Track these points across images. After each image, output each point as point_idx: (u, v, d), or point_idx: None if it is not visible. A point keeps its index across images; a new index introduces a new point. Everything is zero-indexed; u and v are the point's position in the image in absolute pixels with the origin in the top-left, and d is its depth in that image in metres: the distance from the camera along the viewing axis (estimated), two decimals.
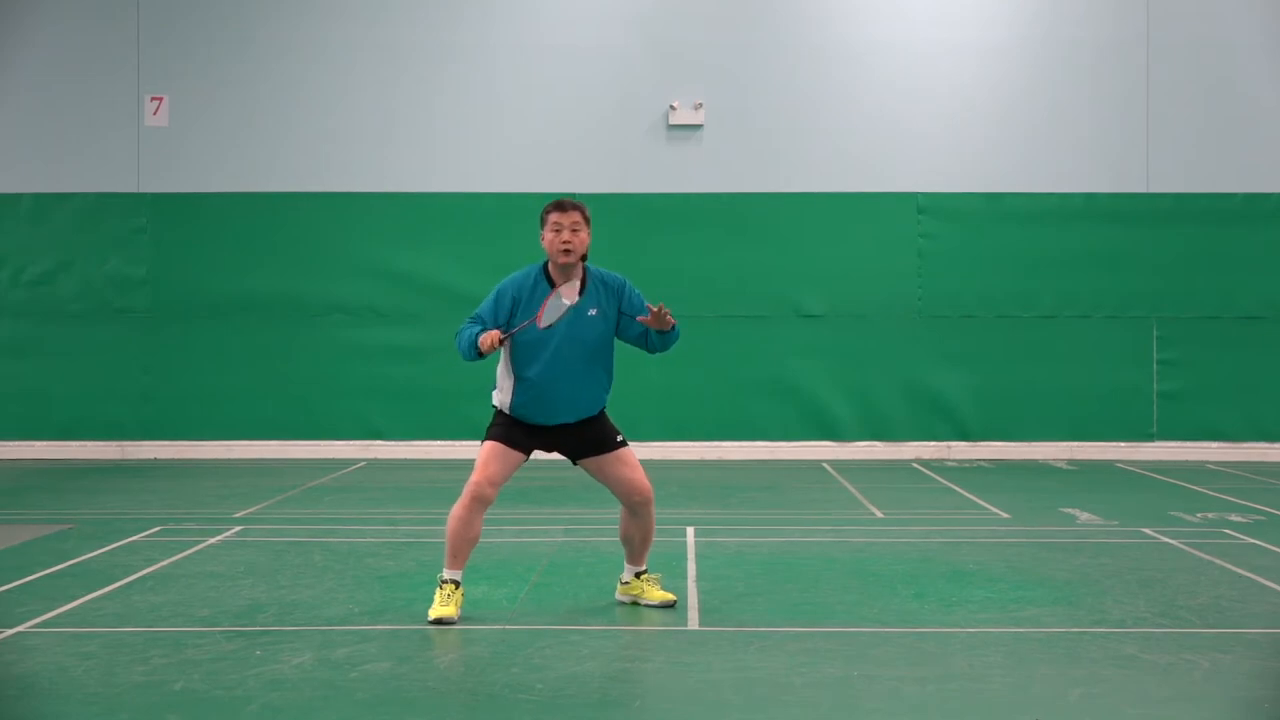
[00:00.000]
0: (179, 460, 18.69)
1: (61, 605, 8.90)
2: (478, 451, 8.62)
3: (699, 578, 9.99)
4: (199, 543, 11.44)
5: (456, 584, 8.51)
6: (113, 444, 19.02)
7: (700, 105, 19.10)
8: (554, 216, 8.47)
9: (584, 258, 8.57)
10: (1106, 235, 19.01)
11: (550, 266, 8.58)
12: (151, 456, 18.94)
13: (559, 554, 10.95)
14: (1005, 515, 13.35)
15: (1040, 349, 19.00)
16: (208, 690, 6.94)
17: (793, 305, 19.04)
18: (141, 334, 19.08)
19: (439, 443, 18.85)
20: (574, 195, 18.78)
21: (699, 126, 19.16)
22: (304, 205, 19.15)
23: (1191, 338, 18.96)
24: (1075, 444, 18.95)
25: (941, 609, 8.93)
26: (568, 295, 8.35)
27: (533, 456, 8.79)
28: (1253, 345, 18.91)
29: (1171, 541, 11.60)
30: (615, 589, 9.19)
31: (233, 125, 19.25)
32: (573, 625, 8.44)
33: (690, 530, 12.14)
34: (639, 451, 19.04)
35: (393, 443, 18.96)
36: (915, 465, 18.08)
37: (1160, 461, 18.49)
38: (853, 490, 15.41)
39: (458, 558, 8.48)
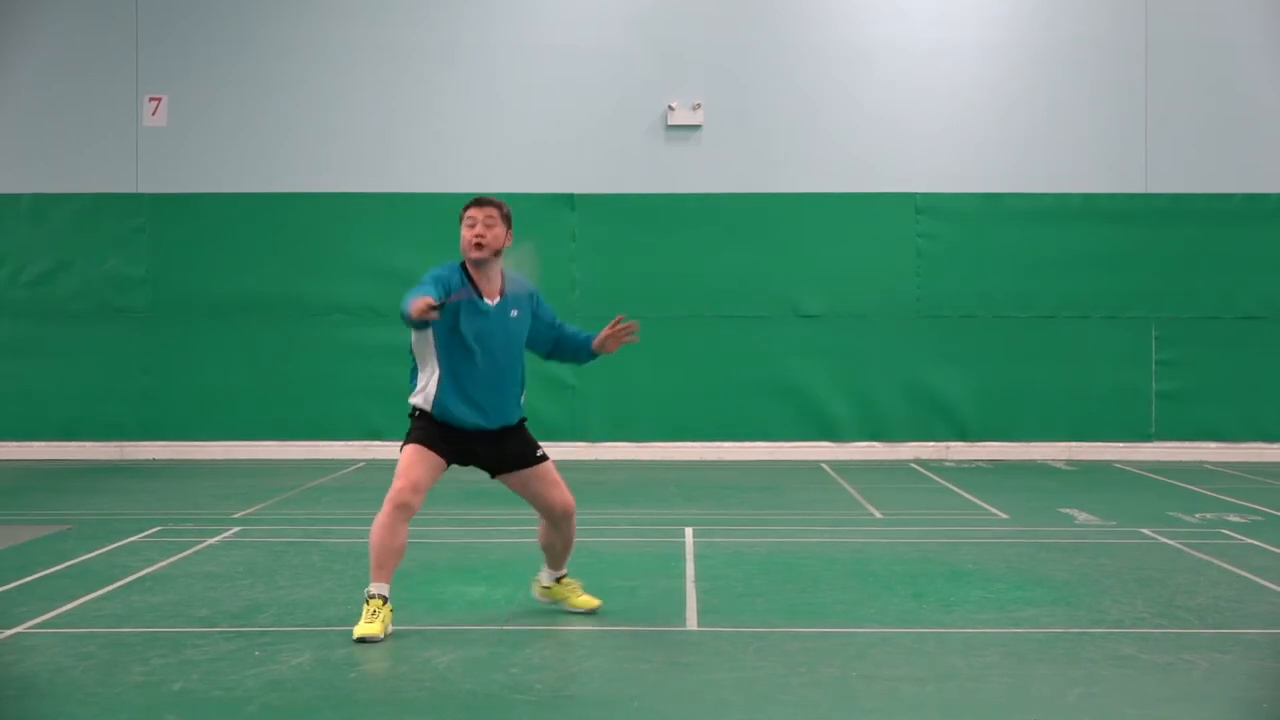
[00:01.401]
0: (178, 461, 18.69)
1: (60, 605, 8.90)
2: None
3: (698, 578, 9.99)
4: (198, 543, 11.44)
5: (384, 599, 8.12)
6: (112, 444, 19.02)
7: (699, 105, 19.09)
8: (470, 212, 8.27)
9: (497, 253, 8.29)
10: (1105, 235, 19.01)
11: (468, 265, 8.35)
12: (151, 457, 18.93)
13: None
14: (1004, 515, 13.35)
15: (1039, 349, 19.00)
16: (206, 691, 6.94)
17: (791, 305, 19.03)
18: (141, 334, 19.07)
19: None
20: (573, 195, 18.88)
21: (698, 127, 19.16)
22: (304, 205, 19.14)
23: (1190, 338, 18.96)
24: (1074, 444, 18.96)
25: (940, 609, 8.93)
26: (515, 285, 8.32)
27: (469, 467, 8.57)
28: (1251, 345, 18.91)
29: (1170, 542, 11.61)
30: (533, 591, 8.97)
31: (232, 125, 19.25)
32: (571, 625, 8.45)
33: (689, 531, 12.14)
34: (636, 452, 19.10)
35: (392, 443, 18.84)
36: (914, 465, 18.08)
37: (1159, 462, 18.50)
38: (851, 490, 15.41)
39: (383, 569, 8.10)
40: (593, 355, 8.61)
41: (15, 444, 18.98)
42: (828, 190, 19.07)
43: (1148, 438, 18.98)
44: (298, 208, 19.15)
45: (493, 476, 8.52)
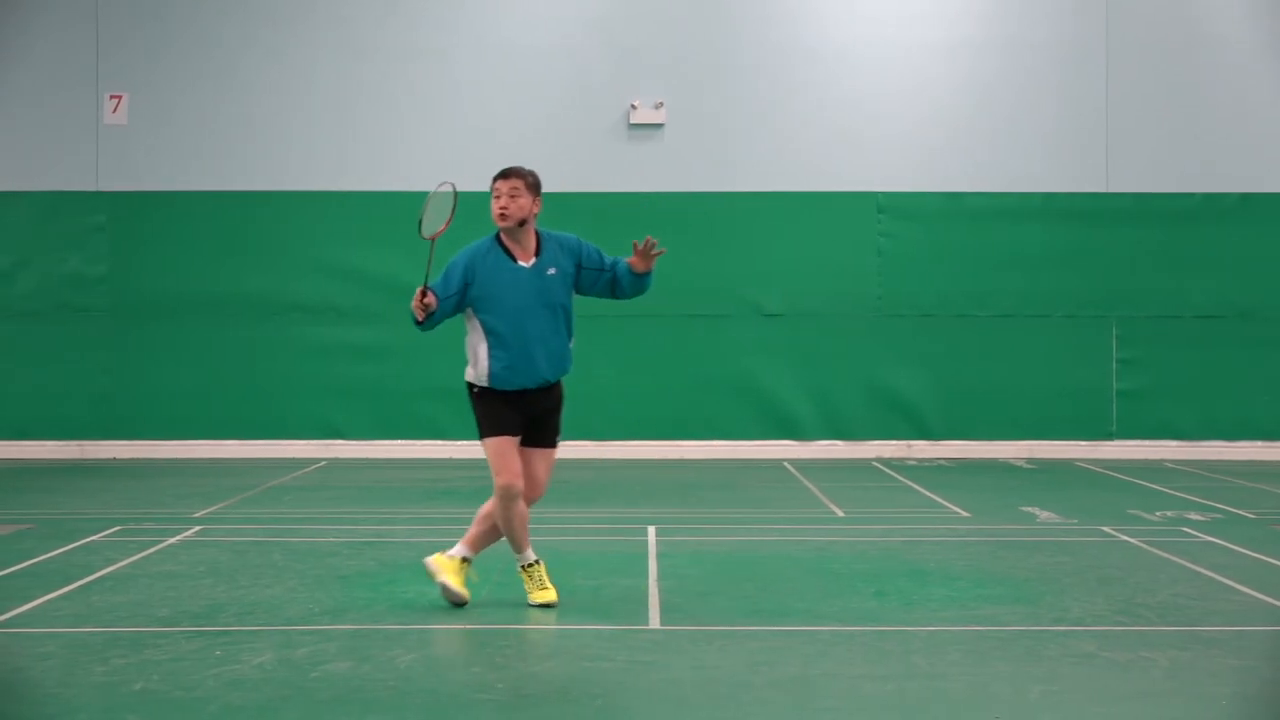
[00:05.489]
0: (139, 460, 18.58)
1: (19, 606, 8.85)
2: (479, 450, 8.70)
3: (660, 576, 9.99)
4: (159, 542, 11.39)
5: (536, 561, 8.96)
6: (72, 443, 18.89)
7: (661, 104, 19.07)
8: (495, 185, 8.97)
9: (524, 222, 8.91)
10: (1066, 234, 19.05)
11: (501, 234, 8.92)
12: (111, 456, 18.82)
13: None
14: (965, 514, 13.38)
15: (999, 348, 19.04)
16: (167, 691, 6.91)
17: (753, 304, 19.03)
18: (100, 333, 18.93)
19: (399, 442, 18.79)
20: None
21: (660, 126, 19.14)
22: (264, 204, 19.03)
23: (1150, 337, 19.02)
24: (1035, 443, 19.00)
25: (902, 607, 8.95)
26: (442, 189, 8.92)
27: None
28: (1211, 344, 18.97)
29: (1130, 540, 11.65)
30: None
31: (192, 123, 19.11)
32: (533, 624, 8.44)
33: (651, 529, 12.13)
34: (598, 451, 19.07)
35: (353, 442, 18.89)
36: (876, 464, 18.10)
37: (1119, 460, 18.56)
38: (813, 489, 15.42)
39: (520, 541, 8.86)
40: (639, 278, 9.06)
41: None
42: (789, 189, 19.06)
43: (1108, 436, 19.05)
44: (259, 206, 19.05)
45: (521, 443, 8.92)
